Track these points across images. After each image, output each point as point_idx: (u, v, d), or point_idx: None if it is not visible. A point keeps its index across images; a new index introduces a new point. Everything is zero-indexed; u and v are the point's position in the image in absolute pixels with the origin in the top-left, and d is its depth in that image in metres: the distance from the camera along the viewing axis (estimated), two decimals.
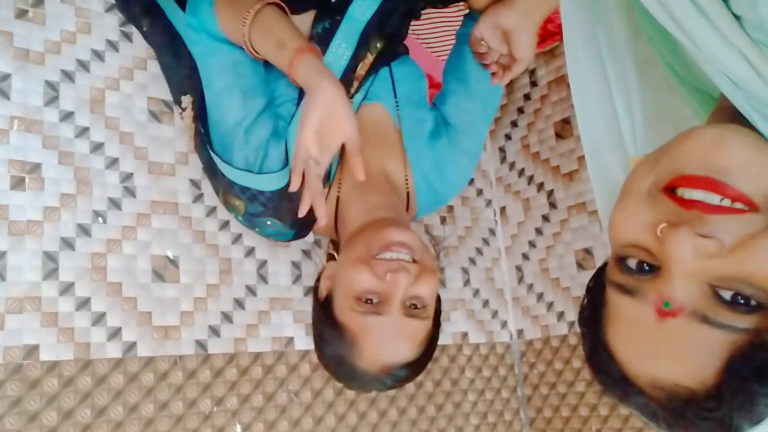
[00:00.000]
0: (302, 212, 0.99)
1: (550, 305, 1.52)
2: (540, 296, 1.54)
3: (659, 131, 0.76)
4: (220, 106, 1.01)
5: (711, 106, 0.75)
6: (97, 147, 1.13)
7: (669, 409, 0.56)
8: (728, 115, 0.64)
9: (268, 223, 1.06)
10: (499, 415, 1.51)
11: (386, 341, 0.93)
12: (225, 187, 1.04)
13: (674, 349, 0.53)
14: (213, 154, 1.02)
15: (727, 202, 0.52)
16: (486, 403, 1.49)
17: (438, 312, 1.03)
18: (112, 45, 1.18)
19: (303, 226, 1.09)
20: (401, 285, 0.92)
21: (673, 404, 0.55)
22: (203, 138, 1.04)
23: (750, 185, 0.51)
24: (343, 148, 1.02)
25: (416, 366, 0.97)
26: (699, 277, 0.52)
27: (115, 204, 1.12)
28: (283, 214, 1.05)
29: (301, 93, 1.02)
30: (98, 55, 1.16)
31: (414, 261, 0.95)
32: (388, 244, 0.94)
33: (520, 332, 1.58)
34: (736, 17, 0.56)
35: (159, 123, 1.20)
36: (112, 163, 1.14)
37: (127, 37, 1.20)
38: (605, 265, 0.63)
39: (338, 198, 1.06)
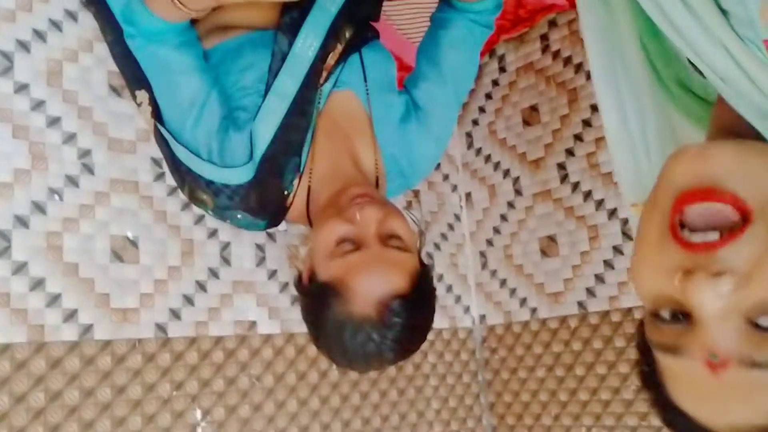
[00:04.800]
0: None
1: (513, 291, 1.53)
2: (503, 282, 1.55)
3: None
4: (165, 107, 1.00)
5: (705, 107, 0.75)
6: (53, 121, 1.08)
7: None
8: (722, 118, 0.64)
9: (239, 216, 1.04)
10: (460, 400, 1.52)
11: (372, 271, 0.91)
12: (191, 182, 1.01)
13: (739, 398, 0.53)
14: (179, 147, 0.99)
15: (726, 212, 0.51)
16: (447, 387, 1.50)
17: (428, 271, 1.00)
18: (71, 15, 1.13)
19: (274, 215, 1.07)
20: (371, 217, 0.93)
21: None
22: (163, 135, 1.01)
23: (741, 187, 0.51)
24: (313, 139, 1.03)
25: (413, 304, 0.92)
26: (732, 315, 0.51)
27: (72, 181, 1.08)
28: (251, 206, 1.03)
29: (268, 86, 1.00)
30: (56, 25, 1.11)
31: None
32: (352, 197, 0.96)
33: (483, 318, 1.58)
34: (724, 12, 0.55)
35: (119, 98, 1.15)
36: (70, 138, 1.09)
37: (84, 4, 1.15)
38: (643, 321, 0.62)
39: (309, 188, 1.04)
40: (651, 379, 0.60)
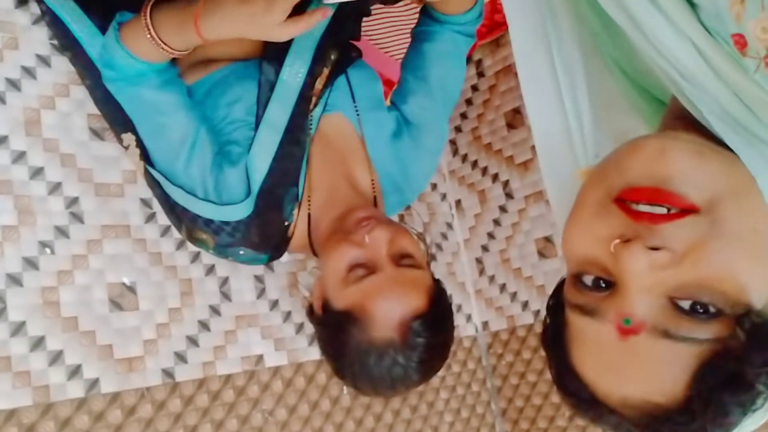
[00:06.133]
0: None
1: (514, 295, 1.52)
2: (503, 287, 1.54)
3: (606, 137, 0.75)
4: (155, 149, 0.98)
5: (658, 108, 0.75)
6: (36, 172, 1.04)
7: (642, 426, 0.55)
8: (677, 117, 0.63)
9: (241, 252, 1.02)
10: (472, 409, 1.50)
11: (390, 294, 0.90)
12: (188, 222, 0.98)
13: (640, 366, 0.53)
14: (174, 188, 0.97)
15: (674, 210, 0.52)
16: (458, 398, 1.49)
17: (442, 285, 0.99)
18: (43, 60, 1.09)
19: (276, 248, 1.04)
20: (381, 238, 0.92)
21: (646, 422, 0.55)
22: (154, 177, 0.99)
23: (694, 191, 0.51)
24: (308, 166, 1.01)
25: (434, 321, 0.91)
26: (656, 290, 0.52)
27: (62, 232, 1.04)
28: (253, 241, 1.00)
29: (258, 118, 0.98)
30: (29, 72, 1.07)
31: None
32: (358, 221, 0.95)
33: (485, 324, 1.58)
34: (692, 5, 0.55)
35: (102, 141, 1.12)
36: (55, 188, 1.05)
37: (59, 50, 1.11)
38: (562, 283, 0.62)
39: (309, 215, 1.02)
40: (554, 339, 0.61)
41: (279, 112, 0.99)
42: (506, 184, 1.54)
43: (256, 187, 0.97)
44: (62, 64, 1.10)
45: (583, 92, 0.73)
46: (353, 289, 0.91)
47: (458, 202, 1.64)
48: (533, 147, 1.49)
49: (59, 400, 0.98)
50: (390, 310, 0.89)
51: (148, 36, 0.87)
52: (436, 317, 0.92)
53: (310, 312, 0.99)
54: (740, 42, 0.51)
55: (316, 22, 0.83)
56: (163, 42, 0.87)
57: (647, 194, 0.52)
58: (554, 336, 0.61)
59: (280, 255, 1.08)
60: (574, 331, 0.58)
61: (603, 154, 0.61)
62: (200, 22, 0.84)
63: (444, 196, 1.64)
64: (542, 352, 1.47)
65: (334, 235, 0.97)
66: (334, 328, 0.93)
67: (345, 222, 0.96)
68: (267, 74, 1.00)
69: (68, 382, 1.00)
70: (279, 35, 0.83)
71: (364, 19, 1.22)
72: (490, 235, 1.57)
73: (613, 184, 0.54)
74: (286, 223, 1.02)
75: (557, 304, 0.62)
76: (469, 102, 1.63)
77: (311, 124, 1.04)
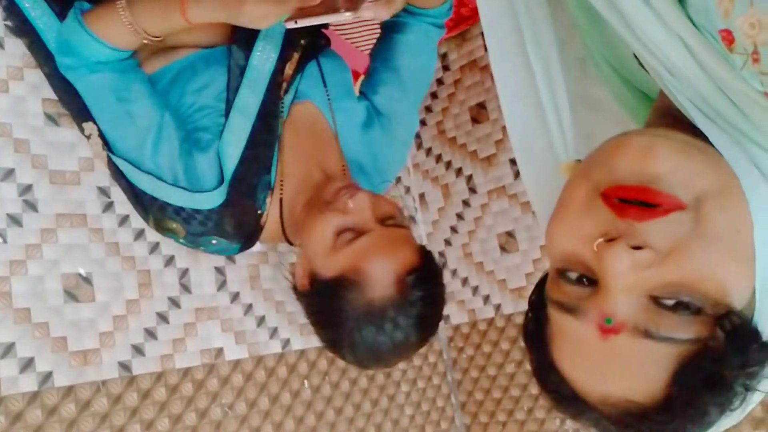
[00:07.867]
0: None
1: (476, 289, 1.53)
2: (465, 281, 1.55)
3: (587, 130, 0.75)
4: (119, 137, 0.96)
5: (645, 103, 0.75)
6: None
7: (622, 424, 0.56)
8: (664, 113, 0.64)
9: (213, 242, 1.00)
10: (432, 403, 1.51)
11: (384, 251, 0.90)
12: (156, 212, 0.96)
13: (621, 366, 0.53)
14: (142, 176, 0.95)
15: (659, 207, 0.52)
16: (419, 391, 1.49)
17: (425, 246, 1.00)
18: None
19: (248, 237, 1.03)
20: (364, 202, 0.92)
21: (625, 420, 0.55)
22: (118, 167, 0.97)
23: (680, 189, 0.51)
24: (279, 153, 1.00)
25: (428, 275, 0.91)
26: (638, 289, 0.52)
27: (14, 221, 1.01)
28: (226, 230, 0.99)
29: (228, 104, 0.96)
30: None
31: None
32: (337, 190, 0.95)
33: (447, 318, 1.58)
34: (680, 1, 0.55)
35: (57, 127, 1.08)
36: (8, 174, 1.02)
37: (15, 34, 1.07)
38: (545, 278, 0.62)
39: (281, 204, 1.01)
40: (535, 335, 0.61)
41: (250, 98, 0.97)
42: (470, 178, 1.55)
43: (228, 174, 0.96)
44: (16, 47, 1.06)
45: (561, 86, 0.73)
46: (344, 252, 0.90)
47: (422, 196, 1.64)
48: (497, 142, 1.50)
49: (10, 394, 0.95)
50: (385, 266, 0.89)
51: (126, 20, 0.85)
52: (429, 271, 0.92)
53: (296, 290, 0.98)
54: (728, 38, 0.50)
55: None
56: (147, 33, 0.86)
57: (634, 193, 0.52)
58: (535, 332, 0.61)
59: (252, 245, 1.06)
60: (555, 329, 0.57)
61: (592, 148, 0.60)
62: (187, 6, 0.84)
63: (408, 190, 1.64)
64: (502, 346, 1.49)
65: (312, 209, 0.96)
66: (328, 297, 0.91)
67: (323, 194, 0.96)
68: (237, 59, 0.98)
69: (20, 375, 0.97)
70: (260, 23, 0.84)
71: None
72: (453, 229, 1.58)
73: (600, 181, 0.54)
74: (259, 212, 1.00)
75: (539, 299, 0.61)
76: (434, 96, 1.62)
77: (282, 111, 1.02)
